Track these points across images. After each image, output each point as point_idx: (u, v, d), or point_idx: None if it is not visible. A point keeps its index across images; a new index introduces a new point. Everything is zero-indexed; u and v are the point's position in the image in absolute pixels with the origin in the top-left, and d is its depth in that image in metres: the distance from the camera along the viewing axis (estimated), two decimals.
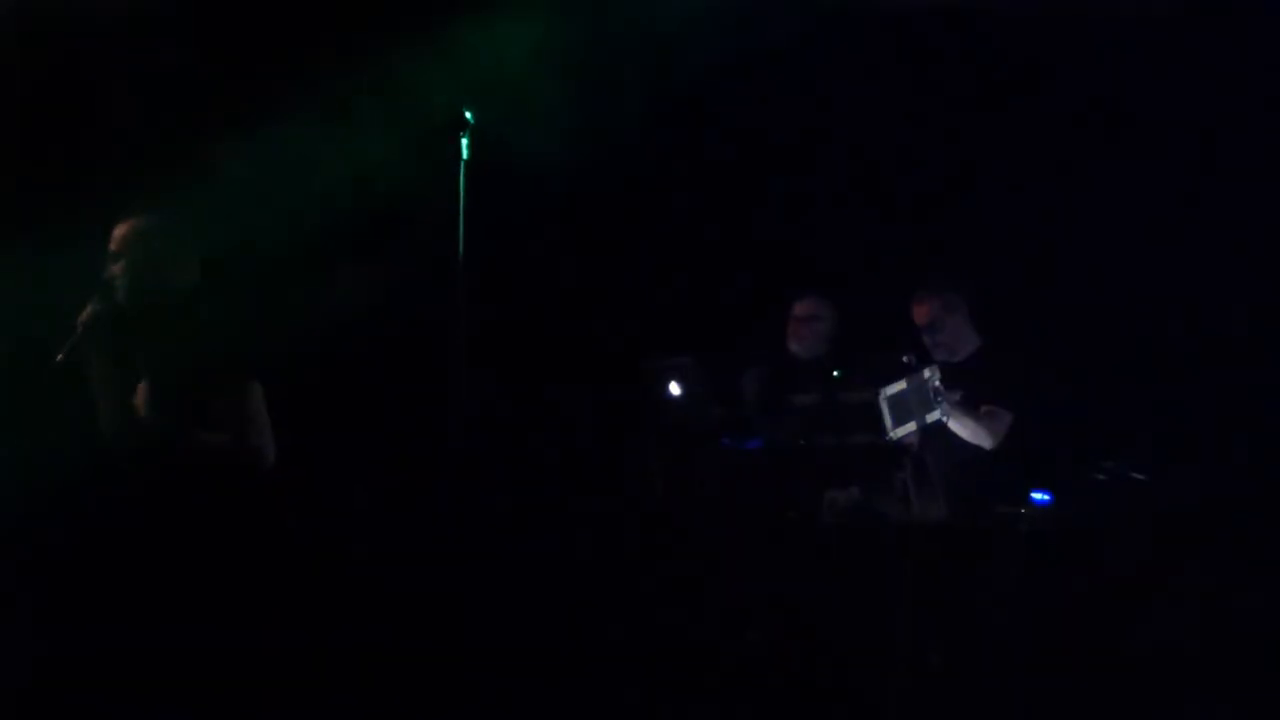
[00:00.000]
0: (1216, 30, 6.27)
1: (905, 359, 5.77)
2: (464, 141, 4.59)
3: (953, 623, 5.42)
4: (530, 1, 6.16)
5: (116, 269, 4.42)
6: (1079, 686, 5.24)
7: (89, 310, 4.37)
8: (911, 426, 5.71)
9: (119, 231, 4.44)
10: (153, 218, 4.49)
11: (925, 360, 5.87)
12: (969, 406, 5.82)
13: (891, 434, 5.72)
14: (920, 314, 6.07)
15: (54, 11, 5.79)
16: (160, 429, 4.33)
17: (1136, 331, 6.34)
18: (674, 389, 6.10)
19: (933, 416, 5.71)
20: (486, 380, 5.45)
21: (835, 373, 5.96)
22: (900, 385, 5.70)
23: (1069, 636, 5.35)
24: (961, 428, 5.80)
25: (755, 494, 5.88)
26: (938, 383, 5.70)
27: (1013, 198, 6.63)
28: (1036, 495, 5.58)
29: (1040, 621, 5.35)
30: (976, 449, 5.81)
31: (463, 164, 4.59)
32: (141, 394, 4.36)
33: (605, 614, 5.63)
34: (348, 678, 4.99)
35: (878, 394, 5.77)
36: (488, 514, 5.23)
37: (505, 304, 6.07)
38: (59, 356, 4.30)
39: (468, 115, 4.60)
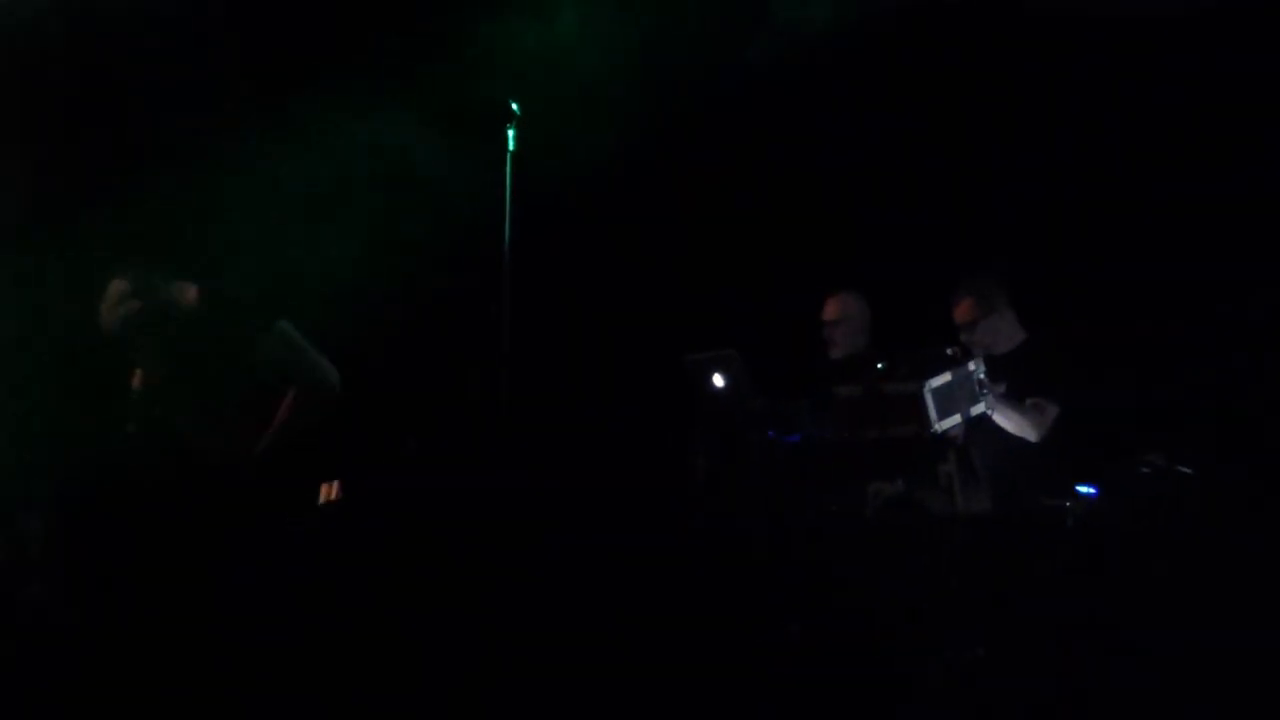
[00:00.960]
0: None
1: (950, 351, 5.75)
2: (510, 133, 4.61)
3: (997, 616, 5.39)
4: None
5: (125, 332, 4.63)
6: (1123, 680, 5.21)
7: (139, 375, 4.67)
8: (956, 419, 5.69)
9: (107, 302, 4.65)
10: (110, 289, 4.66)
11: (970, 352, 5.85)
12: (1014, 399, 5.80)
13: (936, 427, 5.69)
14: (960, 311, 6.06)
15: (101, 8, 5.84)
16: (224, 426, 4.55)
17: (1183, 323, 6.30)
18: (718, 381, 6.10)
19: (978, 409, 5.69)
20: (529, 372, 5.47)
21: (879, 365, 5.94)
22: (945, 378, 5.67)
23: (1114, 629, 5.32)
24: (1007, 420, 5.78)
25: (799, 486, 5.88)
26: (983, 375, 5.68)
27: (1055, 187, 6.61)
28: (1082, 488, 5.56)
29: (1085, 614, 5.32)
30: (1022, 441, 5.79)
31: (509, 155, 4.61)
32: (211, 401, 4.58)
33: (649, 605, 5.63)
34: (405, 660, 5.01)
35: (922, 386, 5.75)
36: (533, 505, 5.24)
37: (550, 295, 6.08)
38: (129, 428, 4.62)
39: (514, 107, 4.61)
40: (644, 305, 6.69)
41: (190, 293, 4.70)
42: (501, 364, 4.71)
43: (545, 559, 5.48)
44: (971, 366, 5.69)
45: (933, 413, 5.70)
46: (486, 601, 4.96)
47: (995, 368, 5.84)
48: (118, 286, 4.64)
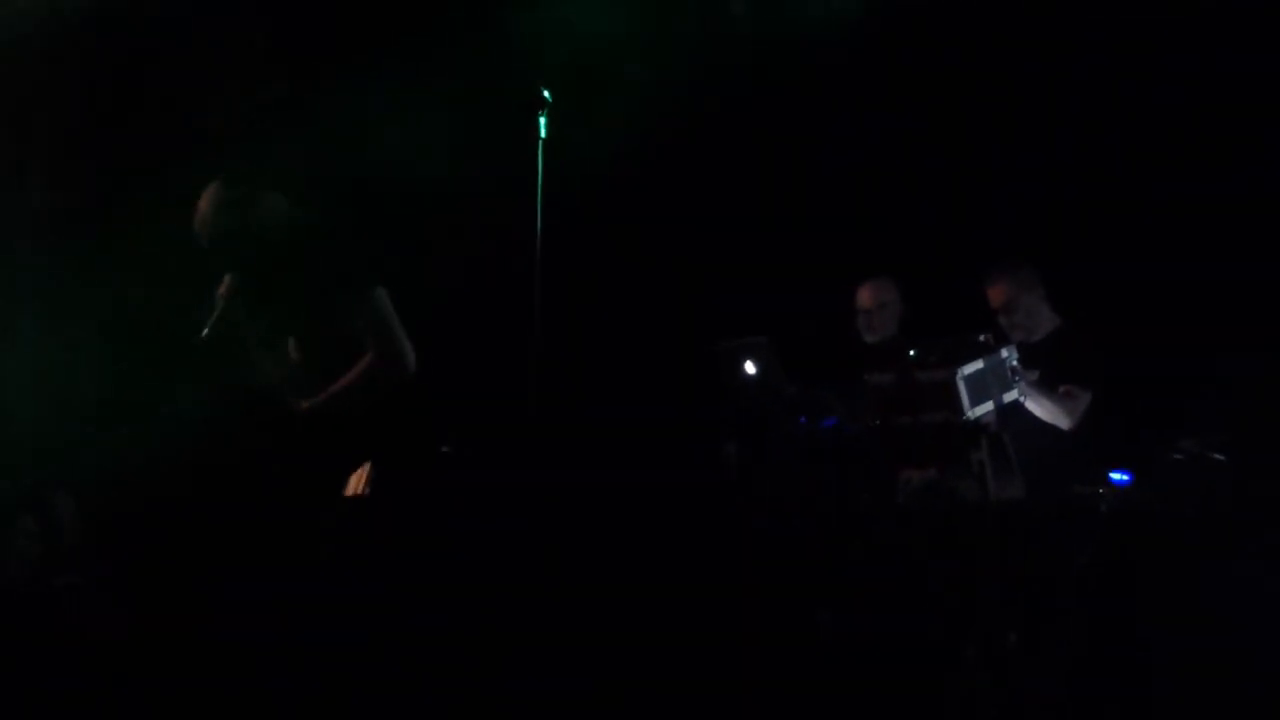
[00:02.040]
0: None
1: (982, 338, 5.73)
2: (542, 120, 4.60)
3: (1030, 602, 5.38)
4: None
5: (209, 244, 4.48)
6: (1155, 665, 5.21)
7: (228, 282, 4.47)
8: (989, 406, 5.66)
9: (199, 211, 4.50)
10: (211, 190, 4.52)
11: (1002, 339, 5.84)
12: (1047, 386, 5.78)
13: (969, 414, 5.66)
14: (994, 295, 6.05)
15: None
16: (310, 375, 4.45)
17: (1217, 309, 6.28)
18: (749, 368, 6.09)
19: (1010, 396, 5.67)
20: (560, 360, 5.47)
21: (911, 352, 5.93)
22: (978, 364, 5.65)
23: (1146, 617, 5.31)
24: (1039, 407, 5.77)
25: (831, 473, 5.87)
26: (1015, 362, 5.66)
27: (1088, 174, 6.59)
28: (1115, 475, 5.54)
29: (1117, 601, 5.31)
30: (1054, 429, 5.79)
31: (540, 142, 4.60)
32: (293, 346, 4.49)
33: (681, 590, 5.64)
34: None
35: (954, 373, 5.73)
36: (564, 491, 5.24)
37: (582, 283, 6.09)
38: (204, 332, 4.40)
39: (546, 94, 4.61)
40: (675, 293, 6.69)
41: (293, 217, 4.57)
42: (533, 352, 4.70)
43: (576, 550, 5.49)
44: (1004, 353, 5.67)
45: (965, 399, 5.67)
46: (514, 595, 4.97)
47: (1028, 355, 5.83)
48: (217, 191, 4.49)
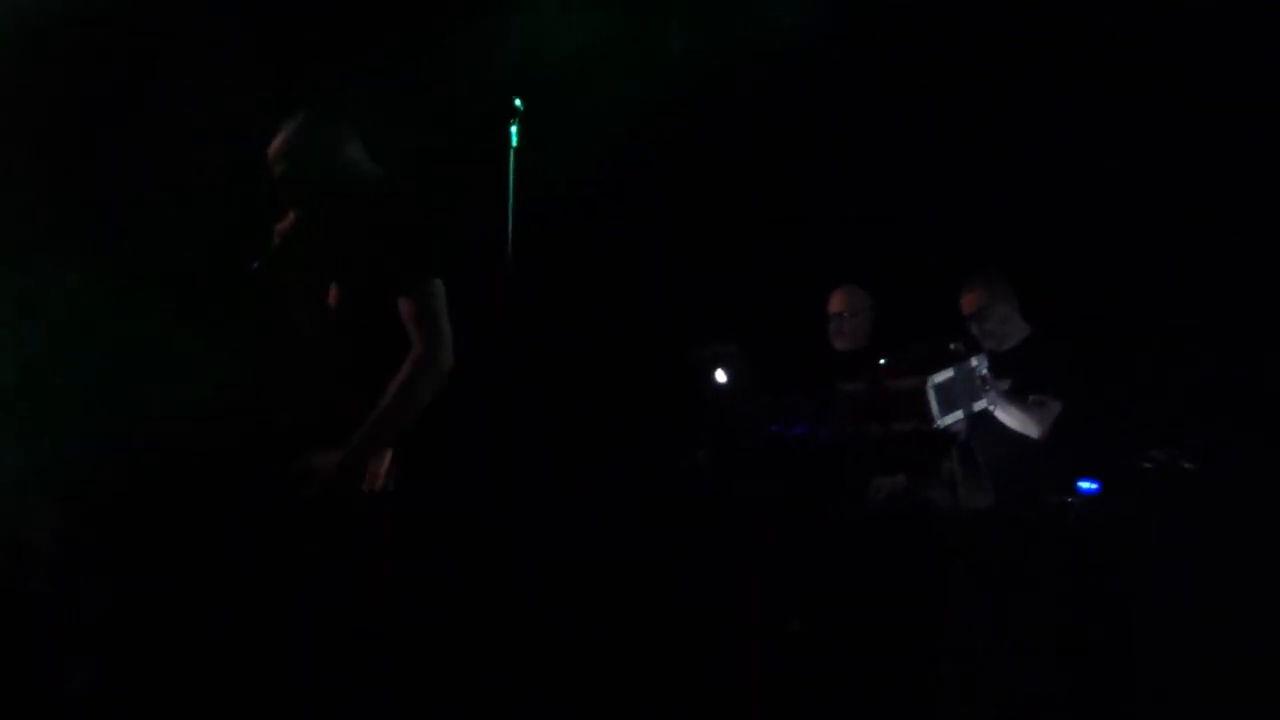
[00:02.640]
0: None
1: (953, 347, 5.76)
2: (514, 129, 4.60)
3: (999, 611, 5.40)
4: None
5: (281, 177, 4.27)
6: (1125, 676, 5.22)
7: (290, 220, 4.30)
8: (959, 415, 5.69)
9: (274, 143, 4.29)
10: (302, 119, 4.31)
11: (973, 348, 5.85)
12: (1017, 395, 5.80)
13: (939, 422, 5.69)
14: (967, 303, 6.07)
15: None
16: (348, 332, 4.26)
17: (1186, 319, 6.31)
18: (720, 376, 6.10)
19: (980, 405, 5.71)
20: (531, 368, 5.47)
21: (882, 361, 5.95)
22: (948, 373, 5.68)
23: (1116, 626, 5.32)
24: (1009, 416, 5.79)
25: (802, 481, 5.88)
26: (985, 371, 5.69)
27: (1063, 184, 6.61)
28: (1084, 484, 5.56)
29: (1087, 610, 5.33)
30: (1024, 438, 5.80)
31: (512, 151, 4.59)
32: (334, 295, 4.30)
33: (651, 600, 5.64)
34: None
35: (925, 382, 5.75)
36: (535, 501, 5.24)
37: (552, 291, 6.08)
38: (254, 264, 4.25)
39: (517, 103, 4.60)
40: (647, 300, 6.69)
41: (376, 176, 4.35)
42: (504, 360, 4.69)
43: (547, 553, 5.48)
44: (974, 362, 5.70)
45: (935, 408, 5.70)
46: (488, 601, 4.97)
47: (998, 364, 5.85)
48: (308, 125, 4.27)
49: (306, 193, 4.24)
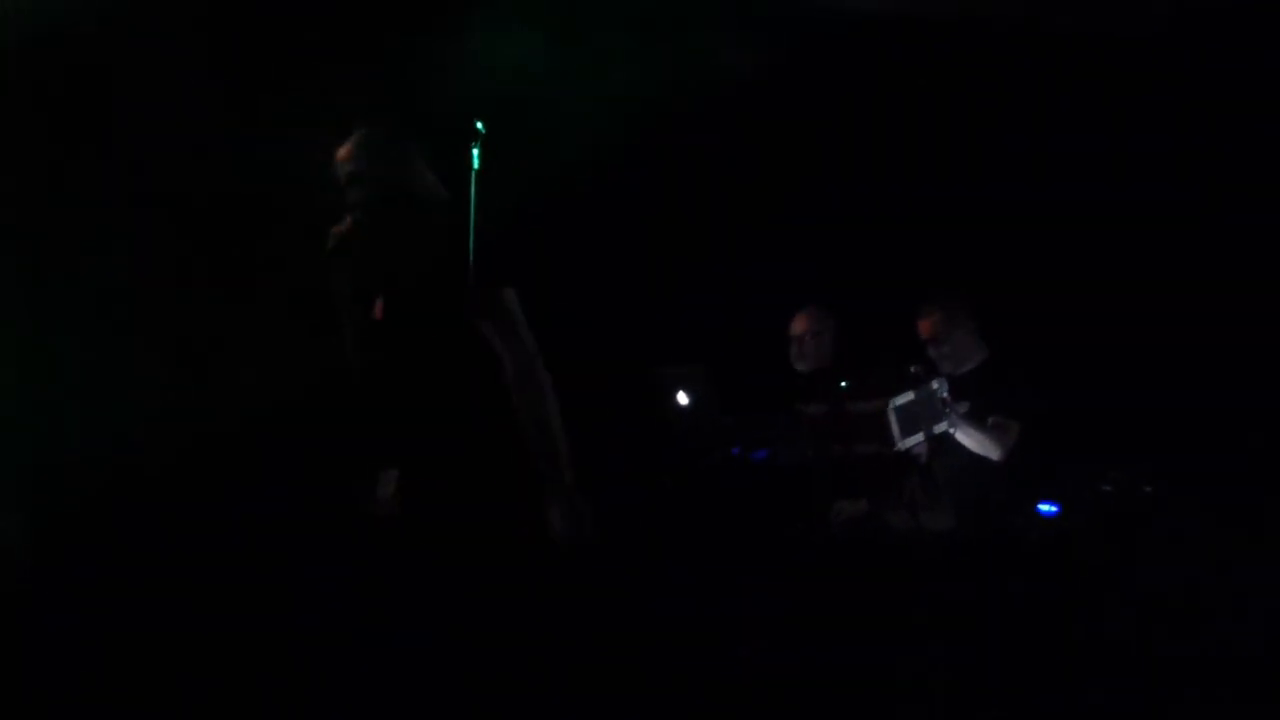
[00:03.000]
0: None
1: (913, 369, 5.78)
2: (475, 152, 4.59)
3: (960, 633, 5.41)
4: (543, 11, 6.21)
5: (352, 183, 4.25)
6: (1086, 697, 5.24)
7: (347, 224, 4.24)
8: (920, 437, 5.72)
9: (350, 144, 4.27)
10: (375, 126, 4.30)
11: (932, 371, 5.88)
12: (977, 417, 5.83)
13: (899, 445, 5.73)
14: (925, 327, 6.10)
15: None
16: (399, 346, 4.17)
17: (1147, 341, 6.35)
18: (683, 398, 6.11)
19: (941, 427, 5.73)
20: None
21: (843, 383, 5.97)
22: (908, 396, 5.71)
23: (1076, 647, 5.34)
24: (969, 439, 5.81)
25: (763, 504, 5.89)
26: (945, 394, 5.72)
27: (1019, 206, 6.66)
28: (1043, 507, 5.59)
29: (1046, 632, 5.34)
30: (984, 460, 5.82)
31: (474, 174, 4.58)
32: (379, 308, 4.22)
33: (610, 622, 5.63)
34: None
35: (886, 405, 5.78)
36: (501, 523, 5.23)
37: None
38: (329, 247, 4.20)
39: (479, 125, 4.60)
40: (609, 322, 6.69)
41: (437, 192, 4.31)
42: (466, 382, 4.67)
43: (510, 573, 5.46)
44: (934, 385, 5.73)
45: (896, 431, 5.73)
46: (446, 615, 4.95)
47: (957, 386, 5.87)
48: (384, 134, 4.26)
49: (372, 198, 4.22)
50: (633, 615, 5.61)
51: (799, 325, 6.49)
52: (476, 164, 4.58)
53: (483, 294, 4.14)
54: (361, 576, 4.32)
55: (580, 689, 5.26)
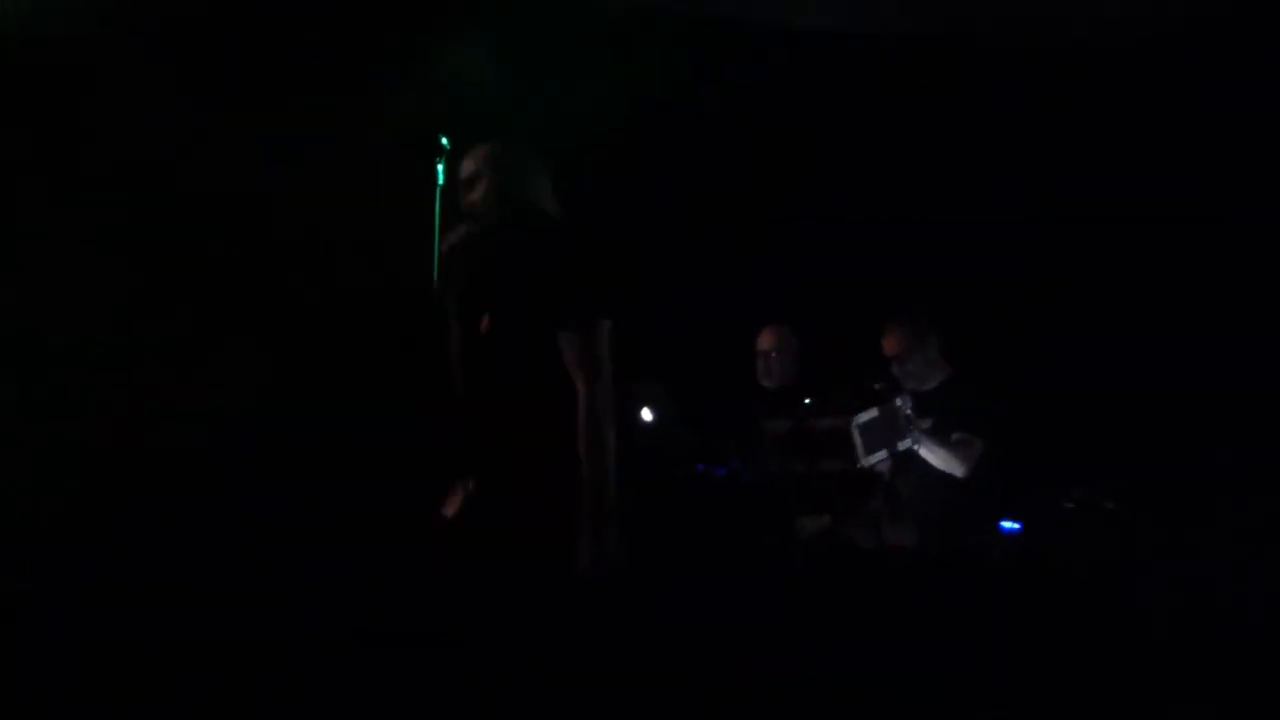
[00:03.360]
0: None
1: (877, 386, 5.80)
2: (439, 167, 4.58)
3: (922, 650, 5.41)
4: (507, 26, 6.22)
5: (475, 194, 4.26)
6: (1048, 714, 5.25)
7: (457, 233, 4.24)
8: (883, 454, 5.74)
9: (477, 154, 4.28)
10: (502, 141, 4.30)
11: (897, 389, 5.90)
12: (940, 435, 5.84)
13: (863, 461, 5.74)
14: (889, 344, 6.11)
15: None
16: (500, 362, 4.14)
17: (1108, 360, 6.39)
18: (646, 415, 6.10)
19: (904, 444, 5.75)
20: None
21: (807, 400, 5.97)
22: (872, 413, 5.73)
23: (1038, 664, 5.35)
24: (933, 456, 5.83)
25: (727, 521, 5.88)
26: (909, 411, 5.73)
27: (981, 228, 6.69)
28: (1006, 524, 5.61)
29: (1008, 650, 5.35)
30: (948, 477, 5.84)
31: (438, 189, 4.58)
32: (485, 324, 4.18)
33: (568, 640, 5.61)
34: None
35: (850, 421, 5.79)
36: (463, 541, 5.21)
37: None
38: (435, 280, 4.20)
39: (443, 141, 4.59)
40: None
41: (555, 211, 4.28)
42: (431, 399, 4.66)
43: (472, 590, 5.44)
44: (898, 402, 5.74)
45: (860, 447, 5.75)
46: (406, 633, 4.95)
47: (921, 403, 5.89)
48: (512, 149, 4.26)
49: (492, 211, 4.23)
50: (596, 629, 5.60)
51: (764, 341, 6.50)
52: (441, 179, 4.59)
53: (577, 326, 4.10)
54: (367, 578, 4.33)
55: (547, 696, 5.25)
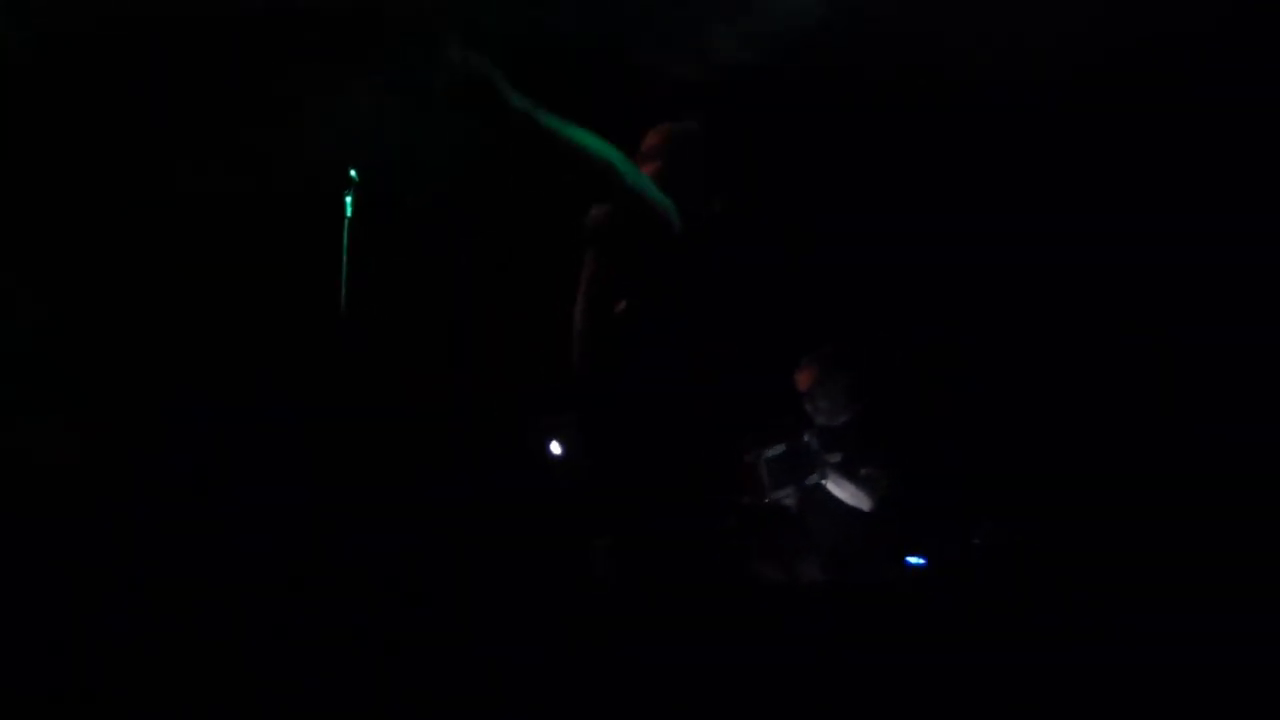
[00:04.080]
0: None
1: (784, 421, 5.84)
2: (348, 200, 4.60)
3: (828, 685, 5.43)
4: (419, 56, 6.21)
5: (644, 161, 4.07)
6: None
7: (601, 211, 4.02)
8: (791, 489, 5.76)
9: (657, 134, 4.15)
10: (695, 128, 4.17)
11: (806, 423, 5.93)
12: (849, 469, 5.88)
13: (770, 495, 5.76)
14: (801, 379, 6.14)
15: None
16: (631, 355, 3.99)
17: (1020, 391, 6.44)
18: (556, 448, 6.12)
19: (813, 479, 5.78)
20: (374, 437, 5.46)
21: None
22: (780, 448, 5.75)
23: (943, 699, 5.38)
24: (841, 490, 5.86)
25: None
26: (817, 445, 5.77)
27: (903, 250, 6.73)
28: (912, 559, 5.64)
29: (916, 685, 5.38)
30: (855, 511, 5.87)
31: (346, 221, 4.59)
32: (621, 308, 4.00)
33: (473, 663, 5.61)
34: None
35: (758, 456, 5.82)
36: (385, 568, 5.22)
37: (388, 363, 6.06)
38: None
39: (352, 173, 4.61)
40: (484, 372, 6.68)
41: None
42: (343, 427, 4.67)
43: (383, 615, 5.43)
44: (806, 437, 5.78)
45: (768, 482, 5.77)
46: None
47: (832, 438, 5.92)
48: (672, 132, 4.10)
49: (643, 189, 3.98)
50: (497, 659, 5.60)
51: None
52: (349, 211, 4.60)
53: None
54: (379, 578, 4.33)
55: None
